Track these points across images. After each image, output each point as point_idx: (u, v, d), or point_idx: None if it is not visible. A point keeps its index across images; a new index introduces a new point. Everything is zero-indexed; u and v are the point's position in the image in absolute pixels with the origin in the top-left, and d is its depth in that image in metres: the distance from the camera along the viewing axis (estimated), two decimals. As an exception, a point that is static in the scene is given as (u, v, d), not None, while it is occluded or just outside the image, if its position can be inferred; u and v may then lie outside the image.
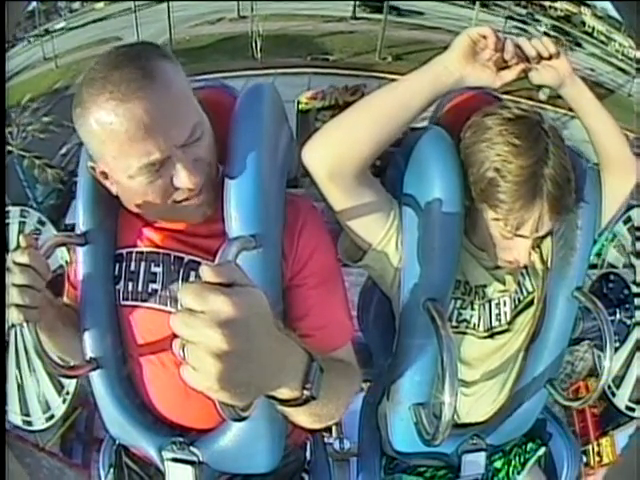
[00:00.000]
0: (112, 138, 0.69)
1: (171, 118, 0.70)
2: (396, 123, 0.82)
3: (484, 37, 0.79)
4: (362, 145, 0.81)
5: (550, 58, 0.84)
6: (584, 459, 2.16)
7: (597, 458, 2.17)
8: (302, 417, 0.71)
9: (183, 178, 0.73)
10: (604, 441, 2.16)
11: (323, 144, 0.83)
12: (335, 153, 0.81)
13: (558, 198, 0.83)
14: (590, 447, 2.19)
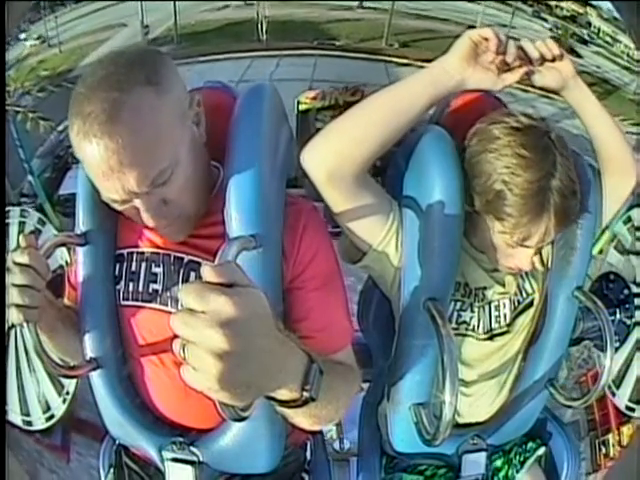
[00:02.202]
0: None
1: (130, 166, 0.68)
2: (396, 125, 0.81)
3: (485, 39, 0.78)
4: (361, 148, 0.80)
5: (553, 60, 0.84)
6: (603, 450, 2.10)
7: (618, 448, 2.09)
8: (301, 418, 0.71)
9: (145, 219, 0.73)
10: (625, 429, 2.08)
11: (322, 147, 0.82)
12: (334, 156, 0.81)
13: (565, 210, 0.82)
14: (611, 436, 2.11)
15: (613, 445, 2.09)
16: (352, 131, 0.81)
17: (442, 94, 0.81)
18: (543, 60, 0.83)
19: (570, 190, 0.82)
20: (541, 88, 0.89)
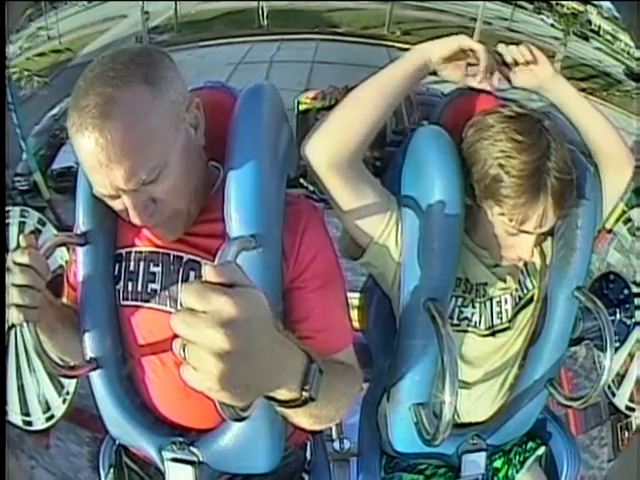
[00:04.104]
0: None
1: (118, 162, 0.68)
2: (383, 108, 0.87)
3: (472, 50, 0.88)
4: (356, 131, 0.85)
5: (528, 64, 0.92)
6: (627, 433, 2.06)
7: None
8: (301, 418, 0.71)
9: (132, 217, 0.73)
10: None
11: (321, 136, 0.86)
12: (332, 141, 0.85)
13: (562, 193, 0.84)
14: (634, 418, 2.06)
15: (637, 428, 2.04)
16: (347, 117, 0.86)
17: (420, 79, 0.89)
18: (516, 63, 0.92)
19: (566, 173, 0.84)
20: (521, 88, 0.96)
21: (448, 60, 0.88)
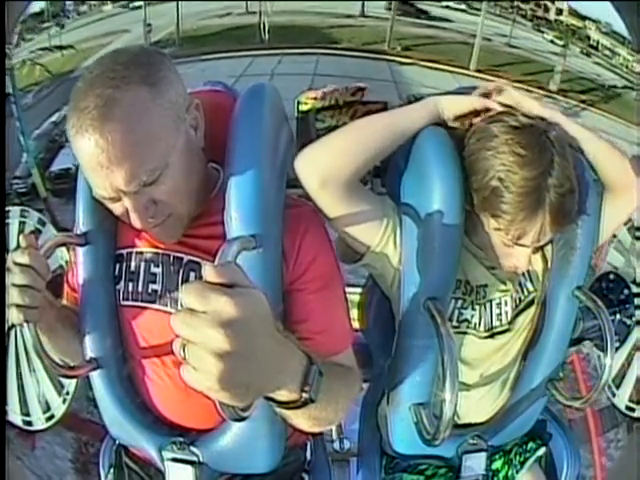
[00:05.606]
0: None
1: (118, 164, 0.68)
2: (388, 147, 0.87)
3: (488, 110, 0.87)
4: (354, 159, 0.84)
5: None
6: None
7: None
8: (301, 420, 0.71)
9: (132, 219, 0.74)
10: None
11: (316, 155, 0.85)
12: (327, 168, 0.84)
13: (561, 209, 0.82)
14: None
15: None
16: (346, 148, 0.85)
17: (428, 124, 0.89)
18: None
19: (567, 189, 0.82)
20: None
21: (461, 117, 0.89)
